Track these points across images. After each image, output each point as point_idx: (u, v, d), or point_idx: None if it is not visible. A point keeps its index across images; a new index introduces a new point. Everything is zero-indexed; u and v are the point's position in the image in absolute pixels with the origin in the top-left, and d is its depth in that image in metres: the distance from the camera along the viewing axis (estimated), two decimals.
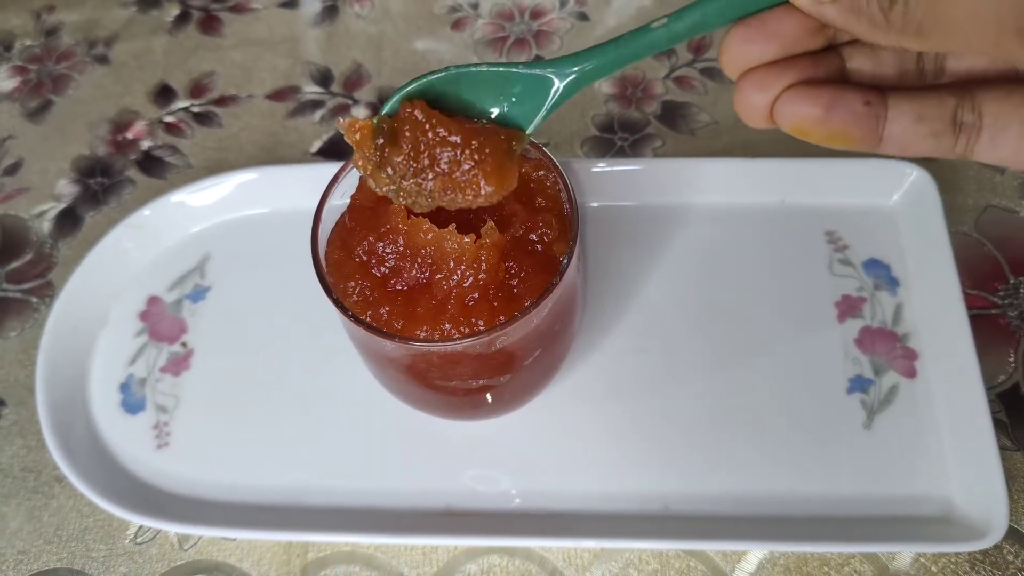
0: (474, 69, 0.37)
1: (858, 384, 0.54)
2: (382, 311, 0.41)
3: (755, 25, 0.33)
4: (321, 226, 0.43)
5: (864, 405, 0.53)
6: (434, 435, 0.52)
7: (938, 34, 0.28)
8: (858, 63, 0.34)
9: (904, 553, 0.49)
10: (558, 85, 0.37)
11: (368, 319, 0.40)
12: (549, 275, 0.40)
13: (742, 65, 0.33)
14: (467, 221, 0.42)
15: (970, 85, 0.32)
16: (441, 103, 0.38)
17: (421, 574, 0.50)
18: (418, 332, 0.40)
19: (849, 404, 0.53)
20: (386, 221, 0.41)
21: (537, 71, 0.37)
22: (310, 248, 0.42)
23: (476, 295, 0.40)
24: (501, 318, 0.39)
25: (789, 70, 0.33)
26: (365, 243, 0.41)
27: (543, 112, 0.38)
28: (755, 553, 0.50)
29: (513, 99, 0.38)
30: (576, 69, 0.36)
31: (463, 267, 0.39)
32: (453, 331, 0.40)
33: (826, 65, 0.34)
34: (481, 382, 0.45)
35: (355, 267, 0.42)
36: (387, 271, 0.41)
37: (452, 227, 0.39)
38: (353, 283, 0.41)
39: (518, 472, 0.52)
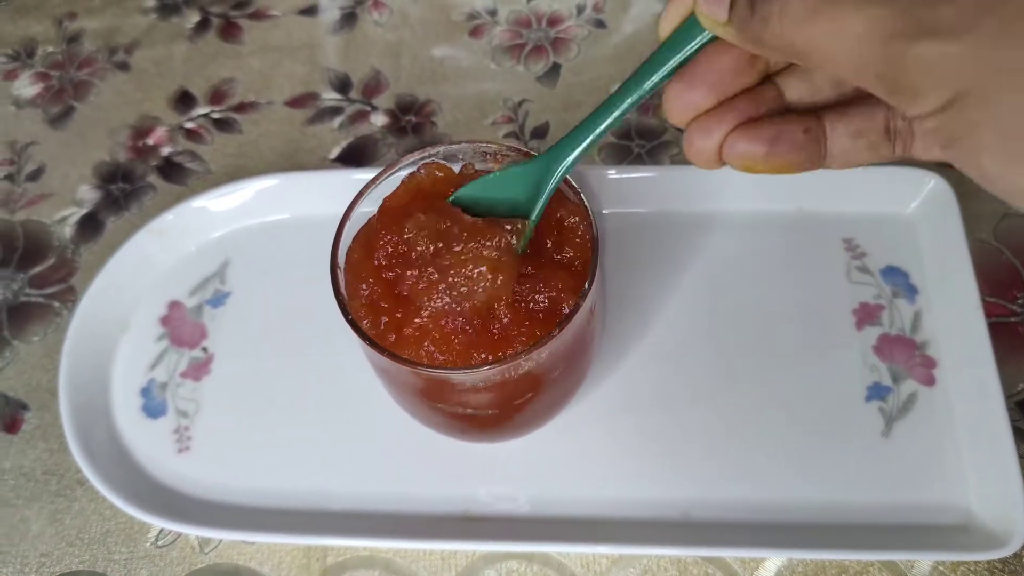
0: (483, 179, 0.42)
1: (876, 392, 0.54)
2: (382, 319, 0.41)
3: (688, 75, 0.35)
4: (342, 240, 0.44)
5: (882, 413, 0.53)
6: (453, 442, 0.52)
7: (811, 58, 0.30)
8: (794, 88, 0.36)
9: (923, 561, 0.49)
10: (551, 172, 0.40)
11: (368, 324, 0.41)
12: (572, 297, 0.41)
13: (685, 114, 0.35)
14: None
15: None
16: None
17: None
18: (423, 346, 0.40)
19: (867, 412, 0.53)
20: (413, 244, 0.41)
21: (531, 166, 0.41)
22: (330, 266, 0.43)
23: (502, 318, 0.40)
24: (519, 343, 0.40)
25: (729, 112, 0.35)
26: (388, 246, 0.42)
27: (543, 199, 0.41)
28: (773, 560, 0.50)
29: (519, 190, 0.41)
30: (562, 157, 0.40)
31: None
32: (473, 354, 0.40)
33: (765, 99, 0.35)
34: (494, 411, 0.45)
35: (371, 269, 0.42)
36: (396, 276, 0.42)
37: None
38: (365, 286, 0.42)
39: (537, 478, 0.52)
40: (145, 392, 0.58)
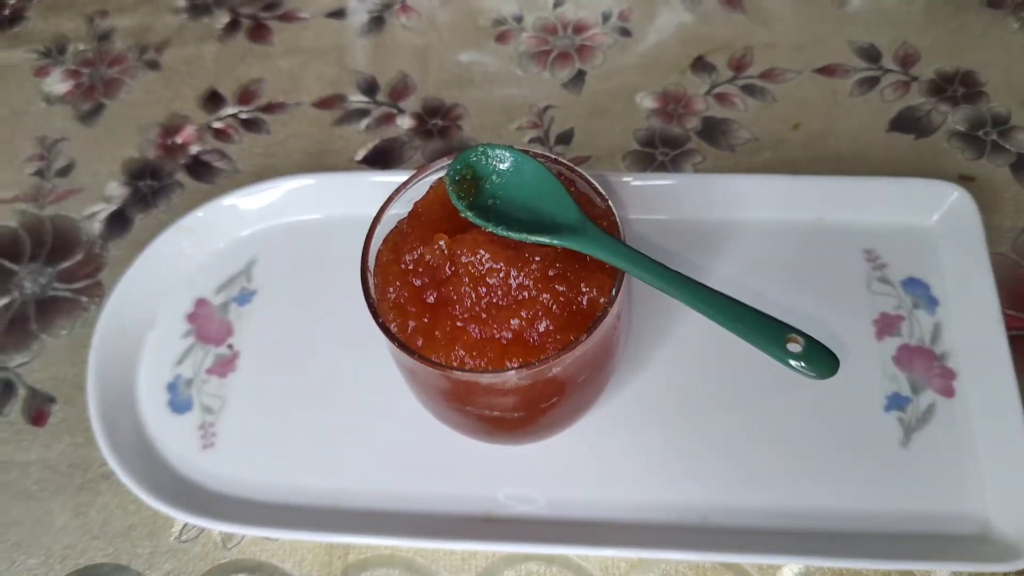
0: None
1: (896, 402, 0.54)
2: (409, 324, 0.42)
3: None
4: (373, 243, 0.44)
5: (901, 423, 0.53)
6: (475, 443, 0.53)
7: None
8: None
9: (940, 571, 0.49)
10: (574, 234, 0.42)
11: (396, 328, 0.42)
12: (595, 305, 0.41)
13: None
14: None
15: None
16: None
17: None
18: (453, 350, 0.41)
19: (886, 422, 0.53)
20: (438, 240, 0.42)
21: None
22: (360, 269, 0.43)
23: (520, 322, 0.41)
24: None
25: None
26: (416, 252, 0.42)
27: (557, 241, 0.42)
28: (791, 567, 0.50)
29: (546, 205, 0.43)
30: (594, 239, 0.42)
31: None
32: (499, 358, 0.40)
33: None
34: (520, 414, 0.46)
35: (399, 273, 0.43)
36: (425, 283, 0.42)
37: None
38: (392, 290, 0.42)
39: (557, 481, 0.53)
40: (171, 388, 0.58)
